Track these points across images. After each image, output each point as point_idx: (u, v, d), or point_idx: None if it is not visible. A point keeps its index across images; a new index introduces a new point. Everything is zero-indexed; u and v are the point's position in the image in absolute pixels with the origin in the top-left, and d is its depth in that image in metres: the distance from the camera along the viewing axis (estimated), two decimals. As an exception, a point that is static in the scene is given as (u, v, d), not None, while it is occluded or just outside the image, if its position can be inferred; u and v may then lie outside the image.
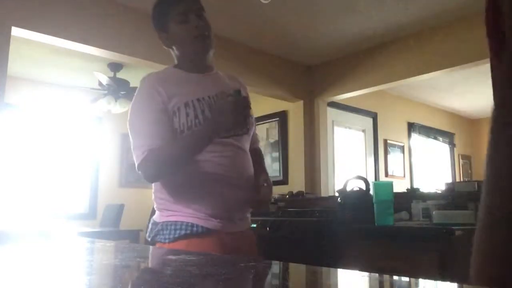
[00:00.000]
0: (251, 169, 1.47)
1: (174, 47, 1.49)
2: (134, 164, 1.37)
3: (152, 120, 1.34)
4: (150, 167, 1.33)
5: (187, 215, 1.35)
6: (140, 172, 1.35)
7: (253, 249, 1.49)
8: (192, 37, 1.43)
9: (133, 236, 4.54)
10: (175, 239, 1.32)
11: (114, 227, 4.79)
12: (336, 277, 0.64)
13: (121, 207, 4.95)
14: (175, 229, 1.33)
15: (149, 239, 1.40)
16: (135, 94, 1.42)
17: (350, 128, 5.42)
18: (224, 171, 1.37)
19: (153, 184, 1.44)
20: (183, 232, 1.32)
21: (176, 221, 1.34)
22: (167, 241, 1.33)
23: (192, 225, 1.33)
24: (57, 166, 5.30)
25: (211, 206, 1.36)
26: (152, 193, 1.45)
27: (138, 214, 5.47)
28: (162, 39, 1.50)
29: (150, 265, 0.83)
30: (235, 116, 1.25)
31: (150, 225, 1.42)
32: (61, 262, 0.86)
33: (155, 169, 1.34)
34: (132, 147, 1.37)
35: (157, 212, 1.43)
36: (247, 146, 1.48)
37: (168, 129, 1.34)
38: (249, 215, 1.49)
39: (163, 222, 1.37)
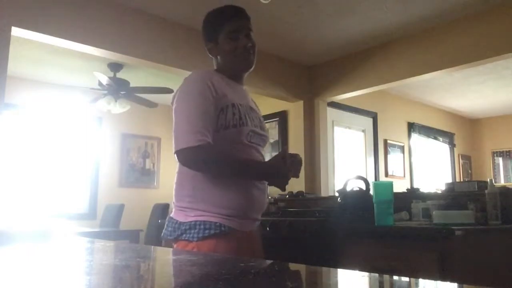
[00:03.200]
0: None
1: (219, 57, 1.59)
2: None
3: (205, 110, 1.41)
4: (201, 158, 1.39)
5: (216, 215, 1.39)
6: (183, 155, 1.38)
7: (261, 249, 1.58)
8: (239, 56, 1.54)
9: (133, 236, 4.55)
10: (204, 238, 1.35)
11: (114, 227, 4.79)
12: (336, 277, 0.64)
13: (121, 207, 4.95)
14: (205, 229, 1.37)
15: (172, 238, 1.42)
16: (187, 82, 1.48)
17: (350, 128, 5.42)
18: None
19: (175, 184, 1.48)
20: (212, 231, 1.36)
21: (205, 221, 1.38)
22: (195, 239, 1.36)
23: (221, 225, 1.38)
24: (57, 166, 5.30)
25: (240, 207, 1.43)
26: (174, 192, 1.48)
27: (138, 214, 5.47)
28: (208, 47, 1.60)
29: (150, 265, 0.83)
30: (282, 180, 1.43)
31: (170, 224, 1.44)
32: (61, 262, 0.86)
33: (203, 163, 1.40)
34: (179, 128, 1.40)
35: (179, 212, 1.44)
36: (262, 156, 1.61)
37: (213, 124, 1.42)
38: (260, 216, 1.57)
39: (191, 221, 1.39)
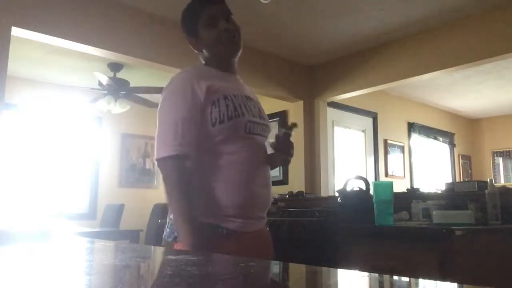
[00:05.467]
0: (269, 168, 1.51)
1: (204, 50, 1.52)
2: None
3: (186, 117, 1.35)
4: (168, 170, 1.33)
5: (215, 217, 1.35)
6: (158, 162, 1.36)
7: (269, 250, 1.50)
8: (222, 41, 1.47)
9: (133, 236, 4.55)
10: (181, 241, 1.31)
11: (114, 227, 4.79)
12: (336, 277, 0.64)
13: (121, 207, 4.95)
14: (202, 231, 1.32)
15: (170, 240, 1.38)
16: (168, 89, 1.43)
17: (350, 128, 5.42)
18: (252, 167, 1.41)
19: None
20: (209, 234, 1.32)
21: (201, 222, 1.33)
22: None
23: (217, 227, 1.34)
24: (57, 166, 5.30)
25: (241, 207, 1.37)
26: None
27: (138, 214, 5.47)
28: (192, 43, 1.53)
29: (150, 265, 0.83)
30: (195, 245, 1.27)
31: (169, 226, 1.40)
32: (61, 262, 0.86)
33: (163, 178, 1.35)
34: (158, 135, 1.36)
35: None
36: (265, 148, 1.54)
37: (196, 131, 1.35)
38: (265, 214, 1.50)
39: None
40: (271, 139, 1.56)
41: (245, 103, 1.44)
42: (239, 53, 1.54)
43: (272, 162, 1.54)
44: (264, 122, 1.52)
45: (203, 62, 1.55)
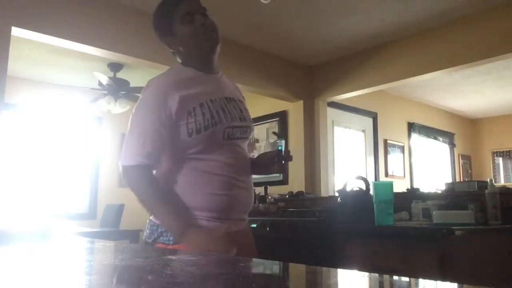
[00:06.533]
0: (250, 171, 1.50)
1: (181, 48, 1.48)
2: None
3: (154, 129, 1.34)
4: (136, 180, 1.35)
5: (194, 217, 1.34)
6: (124, 169, 1.35)
7: (252, 249, 1.50)
8: (199, 36, 1.43)
9: (133, 236, 4.54)
10: (179, 242, 1.31)
11: (114, 227, 4.79)
12: (336, 277, 0.64)
13: (121, 207, 4.95)
14: None
15: (150, 241, 1.37)
16: (142, 95, 1.40)
17: (350, 128, 5.42)
18: (232, 172, 1.39)
19: None
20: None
21: None
22: (170, 242, 1.32)
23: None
24: (57, 166, 5.30)
25: (217, 208, 1.36)
26: None
27: (138, 214, 5.42)
28: (167, 42, 1.48)
29: (150, 265, 0.83)
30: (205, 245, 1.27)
31: (149, 227, 1.40)
32: (61, 262, 0.86)
33: (131, 187, 1.35)
34: (127, 142, 1.36)
35: None
36: (246, 149, 1.52)
37: (162, 145, 1.35)
38: (247, 215, 1.50)
39: None
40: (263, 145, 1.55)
41: (224, 107, 1.41)
42: (218, 49, 1.48)
43: (258, 168, 1.53)
44: (245, 124, 1.48)
45: (180, 62, 1.50)
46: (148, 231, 1.40)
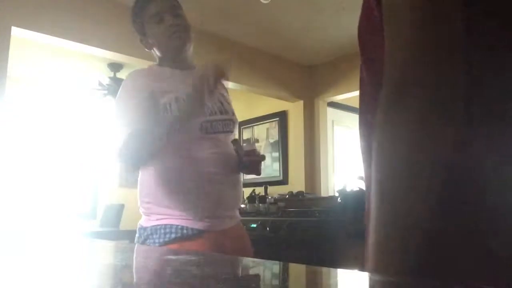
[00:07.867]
0: (236, 166, 1.46)
1: (154, 48, 1.51)
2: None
3: (136, 105, 1.35)
4: (127, 150, 1.33)
5: (176, 218, 1.33)
6: (120, 158, 1.35)
7: (246, 246, 1.48)
8: (167, 36, 1.44)
9: (133, 236, 4.51)
10: (166, 243, 1.31)
11: (114, 227, 4.79)
12: (336, 277, 0.64)
13: (121, 207, 4.95)
14: (165, 233, 1.32)
15: (139, 244, 1.38)
16: (120, 88, 1.42)
17: (350, 128, 5.42)
18: (214, 168, 1.37)
19: (138, 190, 1.43)
20: (173, 235, 1.31)
21: (165, 225, 1.32)
22: (157, 245, 1.32)
23: (182, 228, 1.32)
24: (57, 166, 5.30)
25: (201, 206, 1.34)
26: (138, 199, 1.43)
27: (138, 214, 5.46)
28: (142, 42, 1.52)
29: (150, 265, 0.83)
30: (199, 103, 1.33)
31: (137, 231, 1.41)
32: (62, 262, 0.86)
33: (132, 153, 1.34)
34: (111, 137, 1.38)
35: (144, 217, 1.42)
36: (230, 144, 1.49)
37: (150, 114, 1.34)
38: (237, 212, 1.47)
39: (152, 226, 1.35)
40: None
41: None
42: (187, 47, 1.49)
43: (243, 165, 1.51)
44: (227, 117, 1.46)
45: (157, 61, 1.53)
46: (137, 234, 1.42)
